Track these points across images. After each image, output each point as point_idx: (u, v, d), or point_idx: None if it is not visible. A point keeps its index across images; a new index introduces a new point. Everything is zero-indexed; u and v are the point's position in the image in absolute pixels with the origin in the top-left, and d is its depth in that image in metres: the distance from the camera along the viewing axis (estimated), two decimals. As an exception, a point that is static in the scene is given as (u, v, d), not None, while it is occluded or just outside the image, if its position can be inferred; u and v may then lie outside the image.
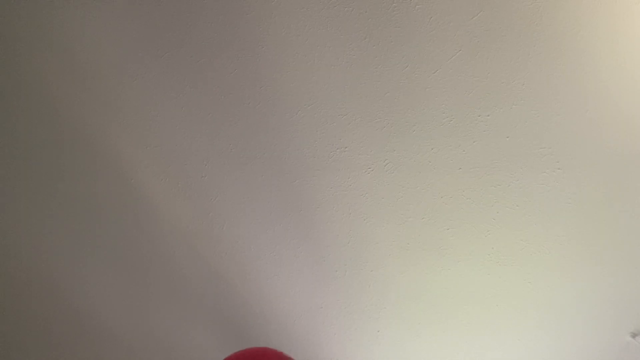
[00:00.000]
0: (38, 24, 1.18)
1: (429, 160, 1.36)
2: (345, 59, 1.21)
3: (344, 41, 1.18)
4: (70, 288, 1.63)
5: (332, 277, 1.59)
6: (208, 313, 1.67)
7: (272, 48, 1.20)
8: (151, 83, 1.27)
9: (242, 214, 1.49)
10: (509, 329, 1.70)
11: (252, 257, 1.56)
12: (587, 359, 1.77)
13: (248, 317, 1.68)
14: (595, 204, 1.42)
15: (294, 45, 1.19)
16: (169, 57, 1.23)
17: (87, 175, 1.43)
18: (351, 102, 1.28)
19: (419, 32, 1.16)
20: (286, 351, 1.73)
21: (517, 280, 1.58)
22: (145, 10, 1.15)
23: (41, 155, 1.40)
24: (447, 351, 1.77)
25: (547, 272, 1.56)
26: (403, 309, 1.64)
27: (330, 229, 1.50)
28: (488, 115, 1.28)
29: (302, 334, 1.71)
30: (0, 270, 1.60)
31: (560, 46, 1.17)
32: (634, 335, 1.69)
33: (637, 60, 1.18)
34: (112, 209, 1.50)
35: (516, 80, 1.22)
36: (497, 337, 1.72)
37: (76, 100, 1.30)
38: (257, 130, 1.34)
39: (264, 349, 1.14)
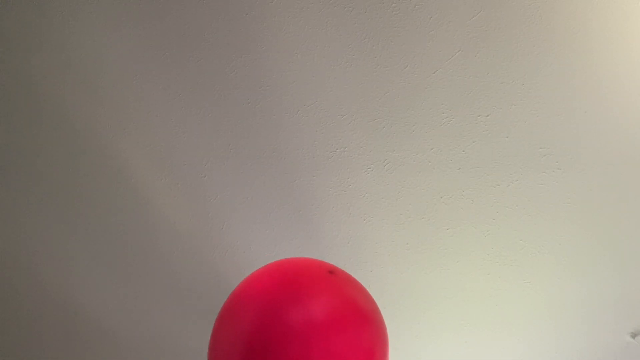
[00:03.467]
0: (38, 25, 1.18)
1: (428, 160, 1.36)
2: (345, 59, 1.21)
3: (344, 41, 1.18)
4: (68, 288, 1.62)
5: (332, 277, 1.58)
6: (207, 313, 1.67)
7: (272, 48, 1.20)
8: (151, 83, 1.27)
9: (241, 214, 1.49)
10: (509, 328, 1.70)
11: (252, 257, 1.56)
12: (587, 359, 1.77)
13: (248, 317, 1.67)
14: (595, 203, 1.42)
15: (294, 45, 1.19)
16: (169, 57, 1.23)
17: (86, 175, 1.43)
18: (351, 102, 1.28)
19: (418, 32, 1.16)
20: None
21: (517, 280, 1.58)
22: (145, 11, 1.15)
23: (39, 154, 1.40)
24: (446, 351, 1.77)
25: (547, 272, 1.56)
26: (402, 309, 1.64)
27: (330, 229, 1.50)
28: (488, 116, 1.28)
29: (302, 334, 1.71)
30: (0, 269, 1.60)
31: (560, 46, 1.17)
32: (633, 336, 1.69)
33: (637, 59, 1.19)
34: (111, 208, 1.50)
35: (516, 80, 1.22)
36: (496, 337, 1.72)
37: (75, 100, 1.30)
38: (257, 130, 1.34)
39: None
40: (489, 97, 1.25)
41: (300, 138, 1.35)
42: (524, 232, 1.48)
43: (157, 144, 1.38)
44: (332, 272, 0.68)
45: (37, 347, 1.75)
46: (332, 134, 1.34)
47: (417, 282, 1.58)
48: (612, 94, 1.24)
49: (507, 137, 1.31)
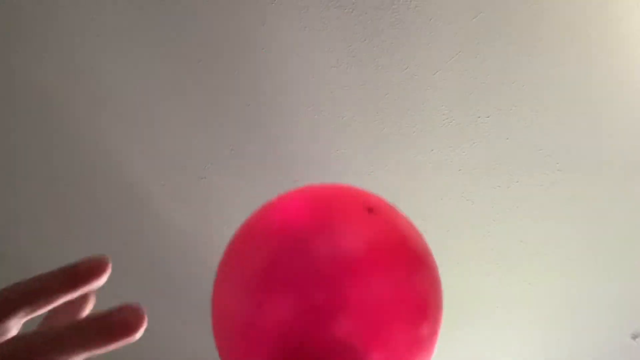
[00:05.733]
0: (38, 25, 1.18)
1: (428, 161, 1.36)
2: (345, 61, 1.21)
3: (344, 43, 1.18)
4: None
5: (332, 278, 1.58)
6: (207, 315, 1.67)
7: (271, 49, 1.20)
8: (151, 84, 1.27)
9: (242, 216, 1.48)
10: (509, 329, 1.70)
11: (252, 259, 1.56)
12: (587, 360, 1.76)
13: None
14: (595, 205, 1.43)
15: (294, 47, 1.19)
16: (169, 58, 1.22)
17: (86, 177, 1.43)
18: (351, 103, 1.28)
19: (418, 33, 1.16)
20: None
21: (517, 281, 1.58)
22: (144, 11, 1.15)
23: (40, 155, 1.39)
24: (446, 351, 1.77)
25: (547, 274, 1.56)
26: (403, 310, 1.64)
27: (330, 231, 1.49)
28: (488, 117, 1.28)
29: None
30: (0, 269, 1.59)
31: (561, 48, 1.17)
32: (634, 337, 1.69)
33: (638, 61, 1.19)
34: (111, 210, 1.50)
35: (516, 82, 1.22)
36: (496, 338, 1.71)
37: (75, 101, 1.29)
38: (257, 131, 1.34)
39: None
40: (489, 99, 1.25)
41: (300, 140, 1.35)
42: (524, 233, 1.48)
43: (157, 146, 1.37)
44: (371, 210, 0.50)
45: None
46: (332, 136, 1.33)
47: (417, 284, 1.58)
48: (613, 95, 1.25)
49: (507, 139, 1.31)
